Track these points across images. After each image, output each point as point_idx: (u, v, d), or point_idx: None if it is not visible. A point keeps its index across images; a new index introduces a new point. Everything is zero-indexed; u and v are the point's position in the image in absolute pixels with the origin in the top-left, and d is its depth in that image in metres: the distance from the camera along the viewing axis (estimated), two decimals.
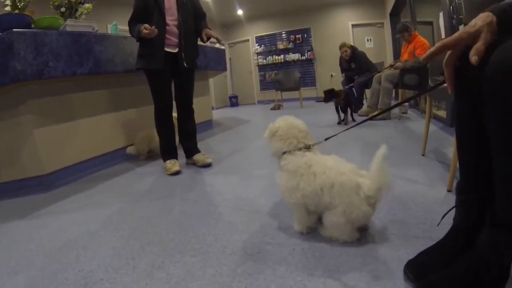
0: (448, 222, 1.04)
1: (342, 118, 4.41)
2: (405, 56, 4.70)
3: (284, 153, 1.37)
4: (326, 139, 1.42)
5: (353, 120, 4.56)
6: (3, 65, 2.14)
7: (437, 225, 1.11)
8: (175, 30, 2.57)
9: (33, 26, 2.49)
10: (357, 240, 1.26)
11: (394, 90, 4.58)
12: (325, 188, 1.23)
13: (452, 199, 1.49)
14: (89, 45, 2.68)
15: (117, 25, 3.64)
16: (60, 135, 2.70)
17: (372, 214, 1.24)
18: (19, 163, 2.52)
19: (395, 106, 1.38)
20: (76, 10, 2.95)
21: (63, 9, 2.84)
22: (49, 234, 1.69)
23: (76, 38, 2.57)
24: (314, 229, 1.39)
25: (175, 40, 2.59)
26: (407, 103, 5.23)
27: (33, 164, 2.51)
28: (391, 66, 4.74)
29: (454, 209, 1.03)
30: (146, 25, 2.35)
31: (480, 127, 0.87)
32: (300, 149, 1.35)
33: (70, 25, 2.68)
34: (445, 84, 0.97)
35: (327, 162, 1.29)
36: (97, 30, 3.03)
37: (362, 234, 1.30)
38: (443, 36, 3.90)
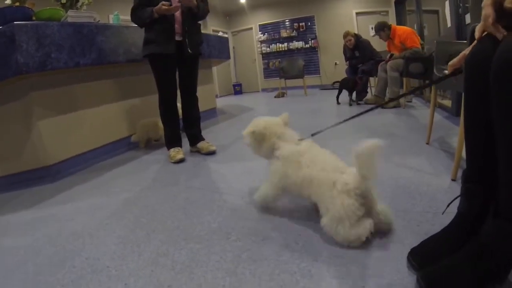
0: (452, 211, 1.04)
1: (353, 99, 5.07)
2: (396, 52, 4.67)
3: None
4: (313, 135, 1.45)
5: (357, 104, 4.97)
6: (5, 58, 2.13)
7: (442, 214, 1.12)
8: (179, 18, 2.55)
9: (34, 18, 2.47)
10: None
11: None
12: (305, 181, 1.27)
13: (456, 189, 1.51)
14: (91, 36, 2.67)
15: (118, 15, 3.61)
16: (64, 126, 2.70)
17: (355, 207, 1.12)
18: (25, 155, 2.53)
19: (404, 95, 1.37)
20: (77, 1, 2.94)
21: (64, 0, 2.83)
22: (55, 223, 1.71)
23: (78, 29, 2.56)
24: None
25: (178, 27, 2.57)
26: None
27: (38, 156, 2.52)
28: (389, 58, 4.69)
29: (459, 197, 1.03)
30: (164, 1, 2.33)
31: (488, 117, 0.87)
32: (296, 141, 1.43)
33: (72, 16, 2.67)
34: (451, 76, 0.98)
35: (317, 156, 1.31)
36: (99, 21, 3.02)
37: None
38: (449, 25, 3.85)
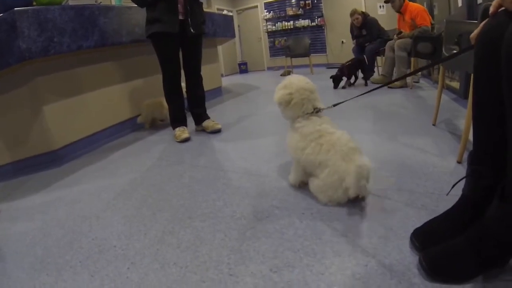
0: (457, 194, 1.04)
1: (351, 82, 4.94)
2: (406, 29, 4.56)
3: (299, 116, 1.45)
4: (335, 105, 1.46)
5: (366, 84, 4.86)
6: (8, 45, 2.11)
7: (446, 195, 1.11)
8: None
9: (34, 3, 2.42)
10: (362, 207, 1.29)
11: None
12: (322, 164, 1.33)
13: (461, 171, 1.50)
14: (93, 18, 2.63)
15: None
16: (69, 110, 2.69)
17: (344, 200, 1.32)
18: (31, 141, 2.53)
19: (411, 74, 1.36)
20: None
21: None
22: (63, 206, 1.73)
23: (80, 11, 2.51)
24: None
25: (180, 7, 2.53)
26: (419, 72, 5.13)
27: (44, 141, 2.53)
28: (398, 36, 4.59)
29: (464, 179, 1.03)
30: None
31: (498, 98, 0.85)
32: (312, 112, 1.42)
33: None
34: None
35: (337, 140, 1.33)
36: (100, 2, 2.96)
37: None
38: (459, 4, 3.75)
